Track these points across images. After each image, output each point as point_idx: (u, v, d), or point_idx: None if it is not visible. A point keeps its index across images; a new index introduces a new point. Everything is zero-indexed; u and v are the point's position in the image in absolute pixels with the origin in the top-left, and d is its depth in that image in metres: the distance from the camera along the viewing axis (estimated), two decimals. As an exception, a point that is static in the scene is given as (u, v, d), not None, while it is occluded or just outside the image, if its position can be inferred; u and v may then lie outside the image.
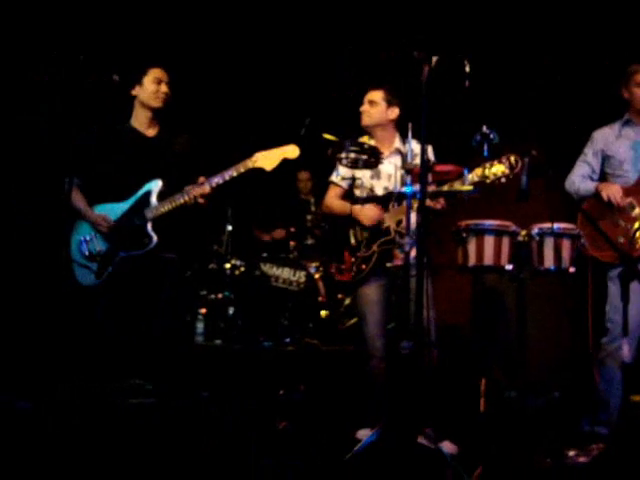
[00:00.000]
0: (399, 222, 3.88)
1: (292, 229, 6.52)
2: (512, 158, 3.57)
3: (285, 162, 3.92)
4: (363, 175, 4.12)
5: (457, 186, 3.83)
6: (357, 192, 4.16)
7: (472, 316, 5.23)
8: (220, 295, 6.06)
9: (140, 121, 4.04)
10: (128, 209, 3.94)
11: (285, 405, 4.58)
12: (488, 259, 3.74)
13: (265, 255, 6.22)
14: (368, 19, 5.71)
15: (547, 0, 5.35)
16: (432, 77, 3.35)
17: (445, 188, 3.71)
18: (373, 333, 4.00)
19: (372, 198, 3.99)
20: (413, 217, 3.33)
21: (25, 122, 4.91)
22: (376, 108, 4.08)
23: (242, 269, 6.19)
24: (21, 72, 4.86)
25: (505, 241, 3.75)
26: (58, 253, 4.02)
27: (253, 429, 3.99)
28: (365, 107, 4.11)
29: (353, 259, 4.02)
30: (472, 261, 3.76)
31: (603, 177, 4.28)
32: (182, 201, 3.85)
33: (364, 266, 3.98)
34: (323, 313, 6.02)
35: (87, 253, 3.94)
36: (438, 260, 4.21)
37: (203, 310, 5.89)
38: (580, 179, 4.25)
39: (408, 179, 3.33)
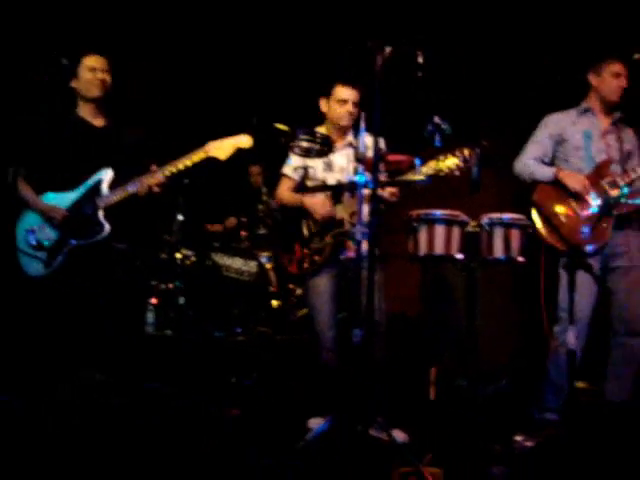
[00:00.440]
0: (352, 214, 3.89)
1: (244, 219, 6.50)
2: (465, 151, 3.62)
3: (237, 154, 3.90)
4: (315, 167, 4.12)
5: (409, 176, 3.88)
6: (309, 183, 4.16)
7: (422, 305, 5.28)
8: (171, 285, 6.00)
9: (85, 112, 3.96)
10: (79, 198, 3.87)
11: (237, 393, 4.58)
12: (439, 248, 3.78)
13: (216, 245, 6.19)
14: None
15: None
16: (386, 68, 3.38)
17: (397, 178, 3.75)
18: (324, 324, 4.01)
19: (322, 187, 4.00)
20: (365, 207, 3.36)
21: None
22: (356, 109, 4.07)
23: (193, 259, 6.14)
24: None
25: (455, 231, 3.79)
26: (5, 244, 3.95)
27: (204, 417, 3.99)
28: (351, 109, 4.07)
29: (306, 250, 4.02)
30: (423, 250, 3.80)
31: (552, 161, 4.30)
32: (135, 190, 3.80)
33: (317, 257, 3.98)
34: (274, 303, 6.02)
35: (35, 243, 3.86)
36: (389, 250, 4.24)
37: (154, 300, 5.83)
38: (534, 162, 4.23)
39: (360, 168, 3.34)
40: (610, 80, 4.20)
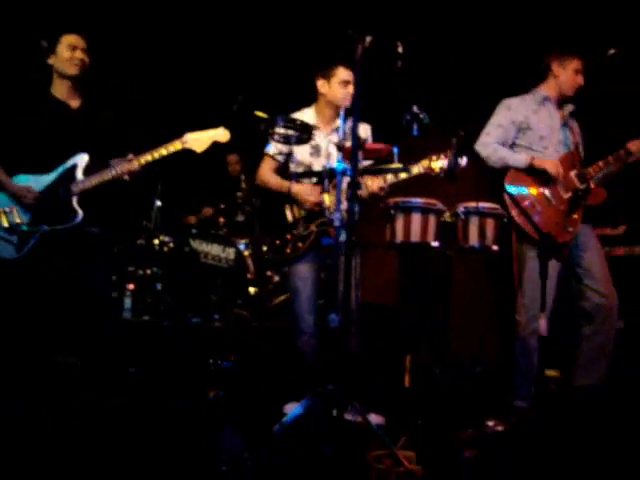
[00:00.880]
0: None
1: (221, 205, 6.52)
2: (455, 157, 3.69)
3: (215, 143, 3.92)
4: (302, 152, 4.13)
5: (388, 164, 3.93)
6: (292, 167, 4.18)
7: (398, 293, 5.34)
8: (148, 271, 6.02)
9: (60, 91, 3.90)
10: (52, 182, 3.81)
11: (215, 375, 4.61)
12: (415, 236, 3.83)
13: (194, 231, 6.21)
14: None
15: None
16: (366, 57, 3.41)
17: (376, 166, 3.80)
18: (304, 309, 4.04)
19: (307, 173, 4.03)
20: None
21: None
22: (352, 89, 4.03)
23: (171, 245, 6.17)
24: None
25: (431, 219, 3.84)
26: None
27: (183, 399, 4.02)
28: (352, 90, 4.03)
29: (289, 236, 4.04)
30: (399, 238, 3.84)
31: (510, 148, 4.28)
32: (110, 176, 3.77)
33: (301, 244, 4.01)
34: (252, 290, 6.05)
35: (6, 225, 3.77)
36: (367, 238, 4.28)
37: (131, 286, 5.85)
38: (502, 148, 4.21)
39: (339, 156, 3.38)
40: (573, 76, 4.26)
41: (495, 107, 4.32)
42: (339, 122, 4.05)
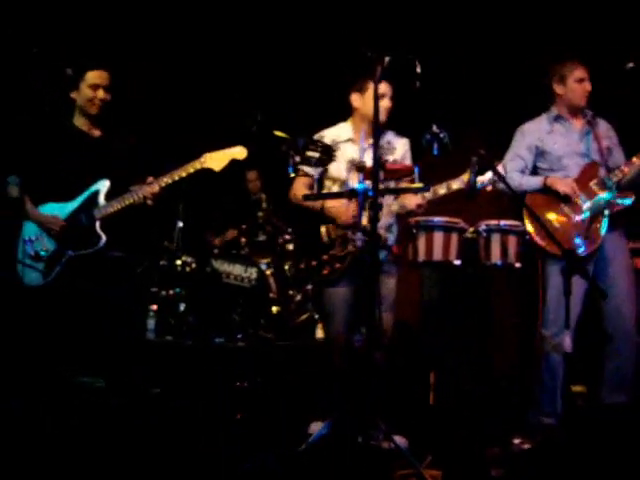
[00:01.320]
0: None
1: (243, 226, 6.55)
2: (500, 165, 3.69)
3: (234, 162, 3.96)
4: (337, 167, 3.98)
5: (409, 184, 3.94)
6: (328, 184, 4.05)
7: (422, 310, 5.33)
8: (171, 291, 6.05)
9: (81, 122, 3.99)
10: (76, 209, 3.90)
11: (241, 397, 4.62)
12: (437, 255, 3.83)
13: (216, 251, 6.24)
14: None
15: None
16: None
17: (395, 185, 3.82)
18: (338, 331, 3.94)
19: (329, 194, 3.96)
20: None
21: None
22: (391, 104, 3.96)
23: (193, 265, 6.20)
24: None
25: (454, 237, 3.84)
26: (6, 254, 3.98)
27: (210, 421, 4.03)
28: (389, 104, 3.96)
29: (325, 257, 3.91)
30: (421, 257, 3.85)
31: (534, 172, 4.28)
32: (131, 201, 3.84)
33: (338, 265, 3.88)
34: (274, 309, 6.06)
35: (32, 253, 3.88)
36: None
37: (154, 307, 5.88)
38: (518, 175, 4.22)
39: (360, 176, 3.38)
40: (576, 87, 4.20)
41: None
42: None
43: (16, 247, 3.92)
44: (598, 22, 5.14)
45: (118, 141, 4.03)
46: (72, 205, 3.91)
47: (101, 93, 3.89)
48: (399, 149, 4.04)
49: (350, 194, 3.56)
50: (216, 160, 3.86)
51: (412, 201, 3.84)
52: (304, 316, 6.04)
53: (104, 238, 3.84)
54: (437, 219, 3.86)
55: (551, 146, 4.24)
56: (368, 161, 3.85)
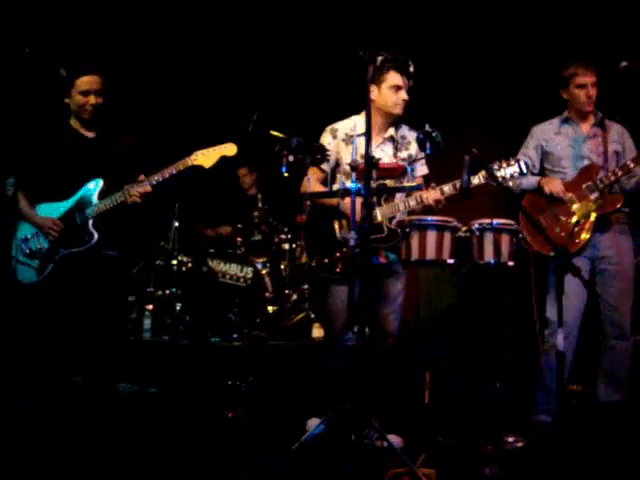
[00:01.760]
0: (391, 219, 3.86)
1: (239, 225, 6.55)
2: (521, 161, 3.70)
3: (229, 162, 3.97)
4: (346, 162, 3.91)
5: (404, 183, 3.95)
6: (342, 178, 3.99)
7: (416, 309, 5.34)
8: (167, 291, 6.07)
9: (77, 125, 4.05)
10: (69, 208, 3.97)
11: (234, 395, 4.62)
12: (430, 253, 3.82)
13: (212, 251, 6.25)
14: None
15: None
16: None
17: (390, 184, 3.83)
18: (340, 331, 3.92)
19: (325, 193, 3.93)
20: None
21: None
22: (405, 95, 3.92)
23: (189, 265, 6.21)
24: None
25: (447, 236, 3.82)
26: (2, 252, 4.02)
27: (203, 419, 4.04)
28: (406, 96, 3.91)
29: (338, 254, 3.85)
30: (415, 255, 3.84)
31: (542, 172, 4.40)
32: (123, 199, 3.90)
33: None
34: (270, 309, 6.06)
35: (28, 251, 3.96)
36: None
37: (150, 306, 5.89)
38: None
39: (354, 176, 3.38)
40: (577, 93, 4.26)
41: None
42: (392, 130, 4.00)
43: (10, 245, 3.99)
44: (599, 21, 5.13)
45: (114, 142, 4.08)
46: (66, 204, 3.97)
47: (92, 99, 3.94)
48: (414, 144, 4.01)
49: (344, 193, 3.58)
50: (206, 157, 3.91)
51: (430, 196, 3.80)
52: (300, 315, 6.05)
53: (96, 236, 3.91)
54: (430, 218, 3.84)
55: (553, 147, 4.33)
56: (380, 156, 3.85)
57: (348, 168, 3.85)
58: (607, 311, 4.20)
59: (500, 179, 3.72)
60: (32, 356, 3.87)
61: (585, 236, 4.14)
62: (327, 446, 3.47)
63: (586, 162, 4.26)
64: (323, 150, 3.58)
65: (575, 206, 4.17)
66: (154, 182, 3.90)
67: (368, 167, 3.26)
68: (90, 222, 3.92)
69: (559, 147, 4.32)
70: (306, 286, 6.12)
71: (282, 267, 6.31)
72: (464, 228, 3.92)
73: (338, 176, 4.00)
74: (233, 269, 6.09)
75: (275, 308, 6.07)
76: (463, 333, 4.97)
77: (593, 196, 4.14)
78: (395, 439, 3.73)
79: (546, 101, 4.49)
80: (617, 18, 5.10)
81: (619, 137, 4.34)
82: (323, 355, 4.12)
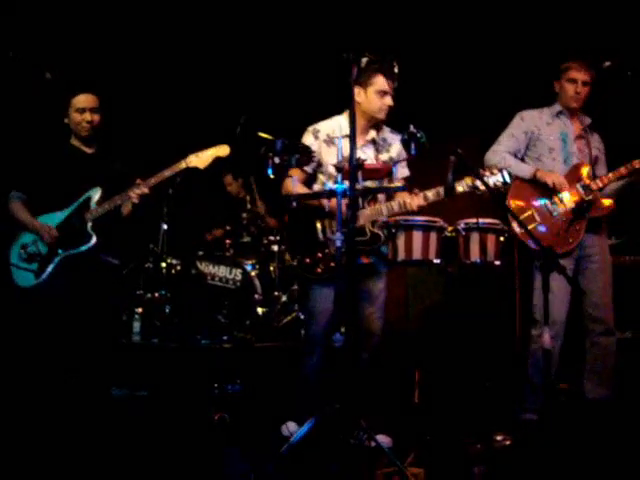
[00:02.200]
0: (374, 222, 3.86)
1: (227, 227, 6.56)
2: (504, 171, 3.71)
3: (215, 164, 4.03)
4: (332, 162, 3.85)
5: (387, 183, 3.95)
6: (323, 179, 3.99)
7: (405, 309, 5.35)
8: (156, 294, 6.06)
9: (77, 142, 4.19)
10: (69, 214, 4.07)
11: (221, 398, 4.63)
12: (417, 253, 3.83)
13: (201, 253, 6.25)
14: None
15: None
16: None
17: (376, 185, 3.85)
18: (320, 332, 3.91)
19: (308, 195, 3.94)
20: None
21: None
22: (390, 100, 3.91)
23: (178, 268, 6.20)
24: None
25: (433, 236, 3.84)
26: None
27: (190, 422, 4.05)
28: (391, 102, 3.90)
29: (320, 254, 3.86)
30: (401, 255, 3.85)
31: (522, 158, 4.36)
32: (121, 201, 4.00)
33: (332, 264, 3.79)
34: (260, 310, 6.07)
35: (26, 256, 4.06)
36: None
37: (139, 309, 5.88)
38: (510, 157, 4.28)
39: (339, 177, 3.39)
40: (567, 86, 4.28)
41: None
42: (373, 133, 4.00)
43: (9, 252, 4.11)
44: (599, 21, 5.16)
45: (112, 156, 4.23)
46: (65, 212, 4.08)
47: (88, 116, 4.08)
48: (395, 146, 4.04)
49: (329, 194, 3.58)
50: (201, 159, 3.98)
51: (414, 202, 3.78)
52: (289, 317, 6.06)
53: (94, 238, 3.99)
54: (416, 218, 3.86)
55: (546, 136, 4.30)
56: (363, 157, 3.84)
57: (330, 169, 3.88)
58: (591, 308, 4.22)
59: (478, 191, 3.72)
60: (29, 358, 3.93)
61: (579, 237, 4.16)
62: (316, 447, 3.47)
63: (575, 159, 4.28)
64: (308, 151, 3.59)
65: (570, 204, 4.17)
66: (152, 184, 3.97)
67: (353, 168, 3.26)
68: (89, 225, 4.01)
69: (552, 137, 4.30)
70: (295, 287, 6.13)
71: (271, 269, 6.33)
72: (450, 228, 3.95)
73: (320, 177, 4.00)
74: (222, 271, 6.09)
75: (264, 310, 6.07)
76: (451, 332, 4.98)
77: (587, 198, 4.15)
78: (384, 439, 3.75)
79: (540, 104, 4.48)
80: (617, 19, 5.13)
81: (599, 144, 4.42)
82: (300, 355, 4.06)
